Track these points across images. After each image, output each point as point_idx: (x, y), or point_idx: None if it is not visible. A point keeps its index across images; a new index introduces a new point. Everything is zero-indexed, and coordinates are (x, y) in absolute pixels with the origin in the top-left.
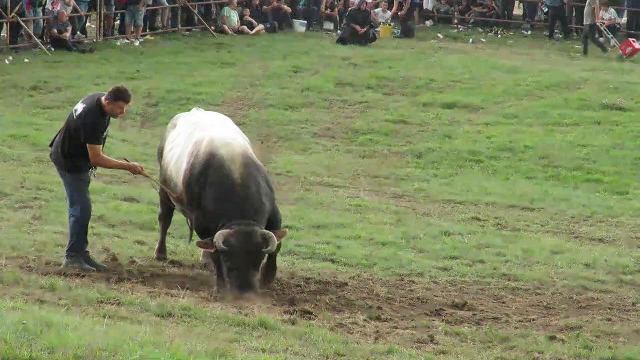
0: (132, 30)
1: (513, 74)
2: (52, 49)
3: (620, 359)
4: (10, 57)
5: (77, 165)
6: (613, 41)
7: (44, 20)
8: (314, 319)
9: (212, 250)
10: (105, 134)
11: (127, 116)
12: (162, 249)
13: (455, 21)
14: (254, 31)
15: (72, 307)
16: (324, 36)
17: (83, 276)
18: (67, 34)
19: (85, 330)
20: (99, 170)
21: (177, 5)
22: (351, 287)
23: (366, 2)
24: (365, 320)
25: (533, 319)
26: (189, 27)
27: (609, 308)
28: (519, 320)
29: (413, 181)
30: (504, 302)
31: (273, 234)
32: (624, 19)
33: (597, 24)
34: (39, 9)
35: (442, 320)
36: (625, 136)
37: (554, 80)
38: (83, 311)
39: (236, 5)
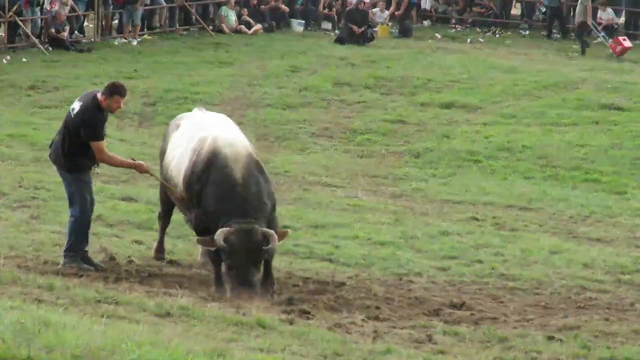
0: (130, 29)
1: (511, 74)
2: (50, 49)
3: (619, 359)
4: (8, 57)
5: (77, 165)
6: (604, 41)
7: (41, 19)
8: (312, 319)
9: (212, 249)
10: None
11: (124, 113)
12: (160, 248)
13: (453, 21)
14: (251, 31)
15: (70, 306)
16: (322, 36)
17: (81, 276)
18: (65, 34)
19: (83, 329)
20: (99, 170)
21: (174, 4)
22: (349, 286)
23: (364, 2)
24: (364, 320)
25: (531, 319)
26: (187, 27)
27: (607, 308)
28: (517, 320)
29: (411, 181)
30: (502, 302)
31: (274, 232)
32: (622, 19)
33: (589, 22)
34: (37, 9)
35: (441, 320)
36: (624, 136)
37: (552, 80)
38: (81, 311)
39: (234, 4)
